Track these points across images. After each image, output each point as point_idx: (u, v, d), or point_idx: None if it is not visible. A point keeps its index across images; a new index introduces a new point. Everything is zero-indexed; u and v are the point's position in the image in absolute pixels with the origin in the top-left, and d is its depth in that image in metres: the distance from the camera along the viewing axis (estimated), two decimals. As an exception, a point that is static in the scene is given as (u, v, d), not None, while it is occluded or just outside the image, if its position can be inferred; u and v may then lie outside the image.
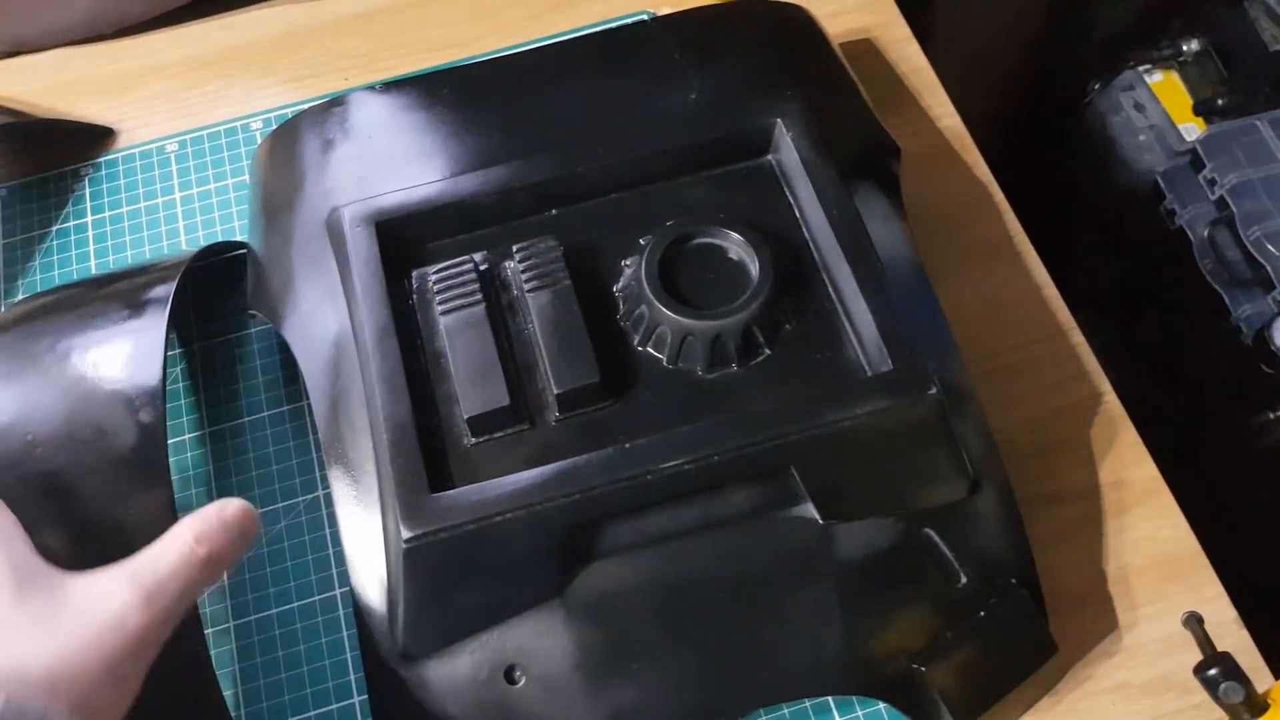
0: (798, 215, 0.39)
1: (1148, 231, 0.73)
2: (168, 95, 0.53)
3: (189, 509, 0.41)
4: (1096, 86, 0.77)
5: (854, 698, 0.39)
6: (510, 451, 0.35)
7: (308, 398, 0.40)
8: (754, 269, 0.36)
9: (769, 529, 0.35)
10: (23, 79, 0.54)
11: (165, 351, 0.39)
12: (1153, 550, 0.41)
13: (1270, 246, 0.64)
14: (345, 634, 0.41)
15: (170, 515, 0.36)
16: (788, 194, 0.39)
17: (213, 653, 0.40)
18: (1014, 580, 0.36)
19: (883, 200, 0.39)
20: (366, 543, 0.36)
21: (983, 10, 0.58)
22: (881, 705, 0.38)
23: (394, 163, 0.42)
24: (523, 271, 0.36)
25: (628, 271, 0.37)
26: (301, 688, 0.40)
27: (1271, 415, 0.62)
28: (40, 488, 0.37)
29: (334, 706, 0.39)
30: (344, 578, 0.42)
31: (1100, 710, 0.39)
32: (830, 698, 0.38)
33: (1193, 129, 0.72)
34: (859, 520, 0.35)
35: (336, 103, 0.45)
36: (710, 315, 0.35)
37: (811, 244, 0.38)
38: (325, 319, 0.39)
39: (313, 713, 0.40)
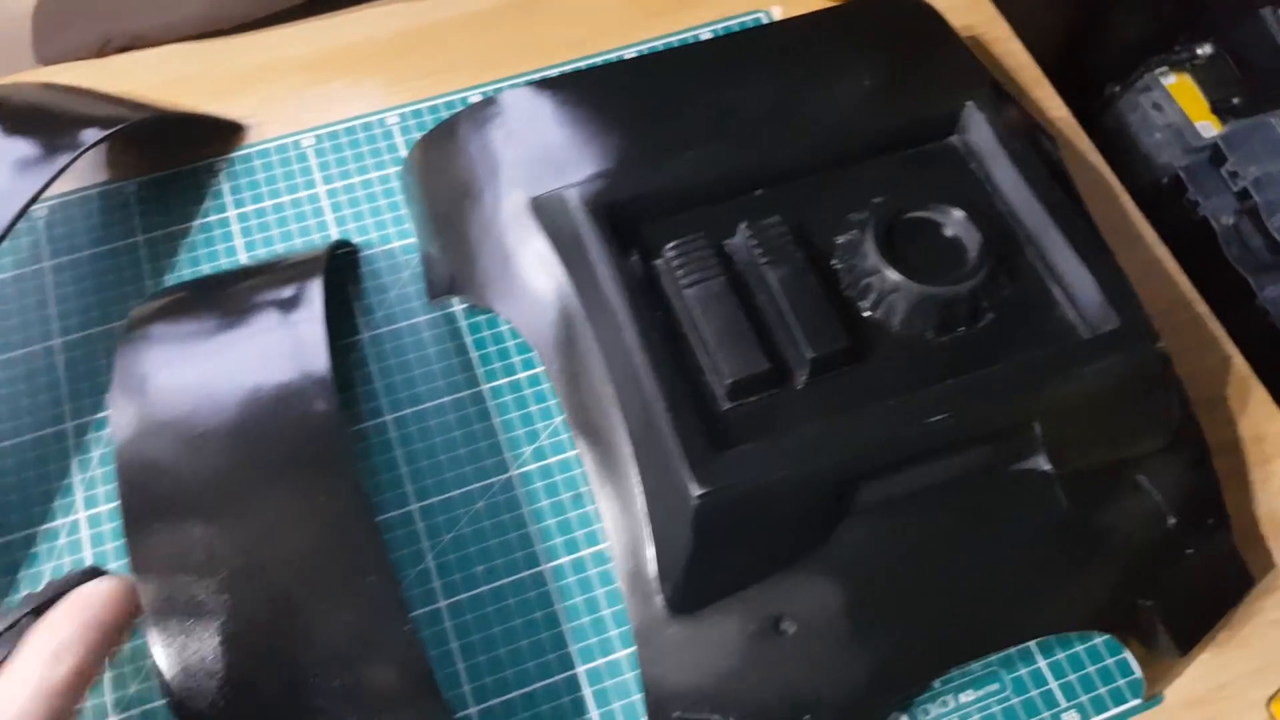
0: (990, 190, 0.41)
1: (1171, 223, 0.78)
2: (291, 92, 0.53)
3: (379, 499, 0.43)
4: (1116, 89, 0.82)
5: (1054, 640, 0.42)
6: (765, 414, 0.36)
7: (544, 377, 0.40)
8: (970, 240, 0.39)
9: (1005, 481, 0.37)
10: (139, 74, 0.53)
11: (327, 340, 0.39)
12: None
13: (1294, 232, 0.70)
14: (559, 606, 0.42)
15: (360, 502, 0.36)
16: (977, 172, 0.42)
17: (424, 634, 0.41)
18: (1210, 520, 0.39)
19: (1061, 182, 0.42)
20: (624, 508, 0.37)
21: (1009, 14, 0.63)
22: (1080, 647, 0.41)
23: (580, 153, 0.43)
24: (755, 247, 0.38)
25: (846, 243, 0.39)
26: (521, 661, 0.41)
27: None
28: (213, 482, 0.37)
29: (558, 678, 0.40)
30: (550, 552, 0.43)
31: (1271, 640, 0.42)
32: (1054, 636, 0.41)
33: (1208, 127, 0.78)
34: (1085, 469, 0.38)
35: (494, 100, 0.46)
36: (941, 282, 0.37)
37: (1010, 217, 0.41)
38: (546, 299, 0.40)
39: (537, 685, 0.40)
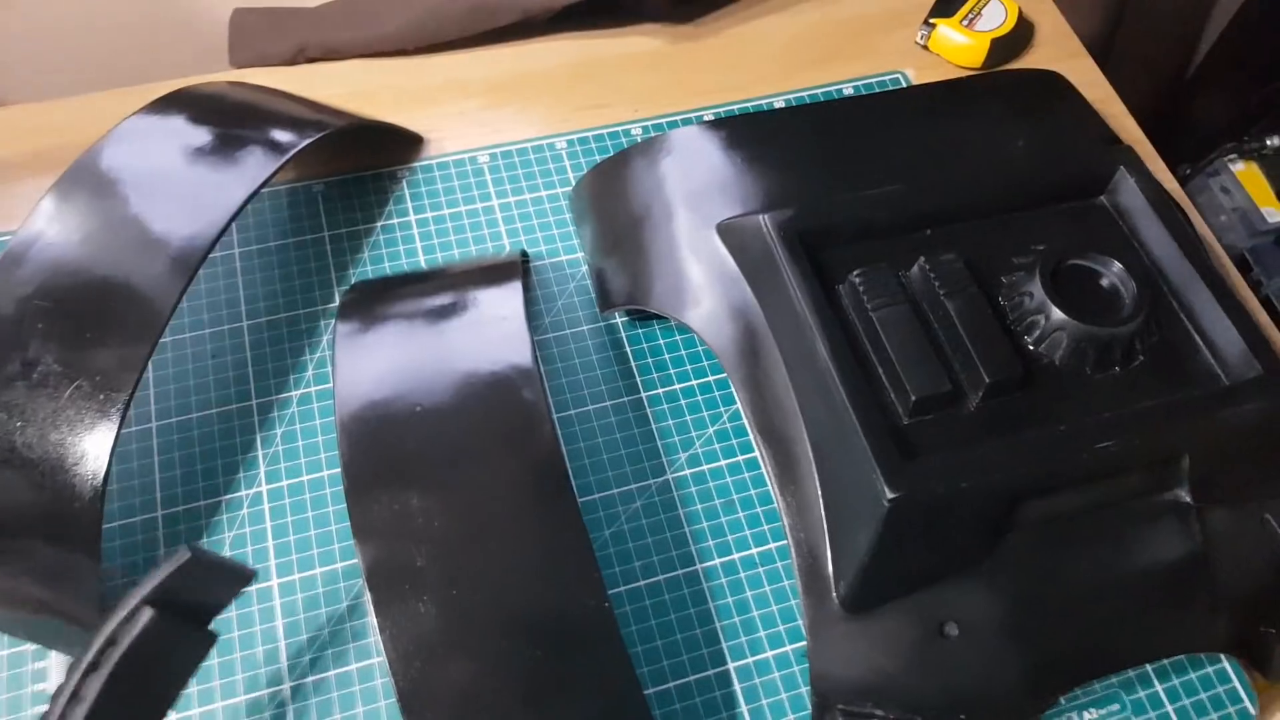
0: (1138, 246, 0.45)
1: (1236, 299, 0.83)
2: (469, 113, 0.57)
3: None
4: (1187, 170, 0.87)
5: (1169, 666, 0.45)
6: (942, 432, 0.40)
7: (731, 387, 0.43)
8: (1125, 289, 0.43)
9: (1148, 510, 0.41)
10: (327, 84, 0.57)
11: (531, 334, 0.43)
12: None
13: (1357, 315, 0.74)
14: (713, 605, 0.45)
15: (564, 483, 0.39)
16: (1124, 229, 0.46)
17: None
18: None
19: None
20: (802, 510, 0.40)
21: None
22: (1194, 674, 0.45)
23: (756, 185, 0.47)
24: (933, 279, 0.42)
25: (1013, 283, 0.43)
26: (676, 654, 0.44)
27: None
28: (431, 455, 0.40)
29: (710, 672, 0.43)
30: (703, 553, 0.46)
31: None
32: (1169, 662, 0.44)
33: (1274, 213, 0.83)
34: (1220, 503, 0.41)
35: (667, 136, 0.50)
36: (1101, 323, 0.41)
37: (1158, 272, 0.45)
38: (729, 313, 0.44)
39: (691, 677, 0.43)
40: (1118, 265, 0.43)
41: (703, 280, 0.45)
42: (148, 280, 0.41)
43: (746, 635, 0.44)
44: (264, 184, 0.45)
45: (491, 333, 0.43)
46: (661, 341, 0.51)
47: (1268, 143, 0.84)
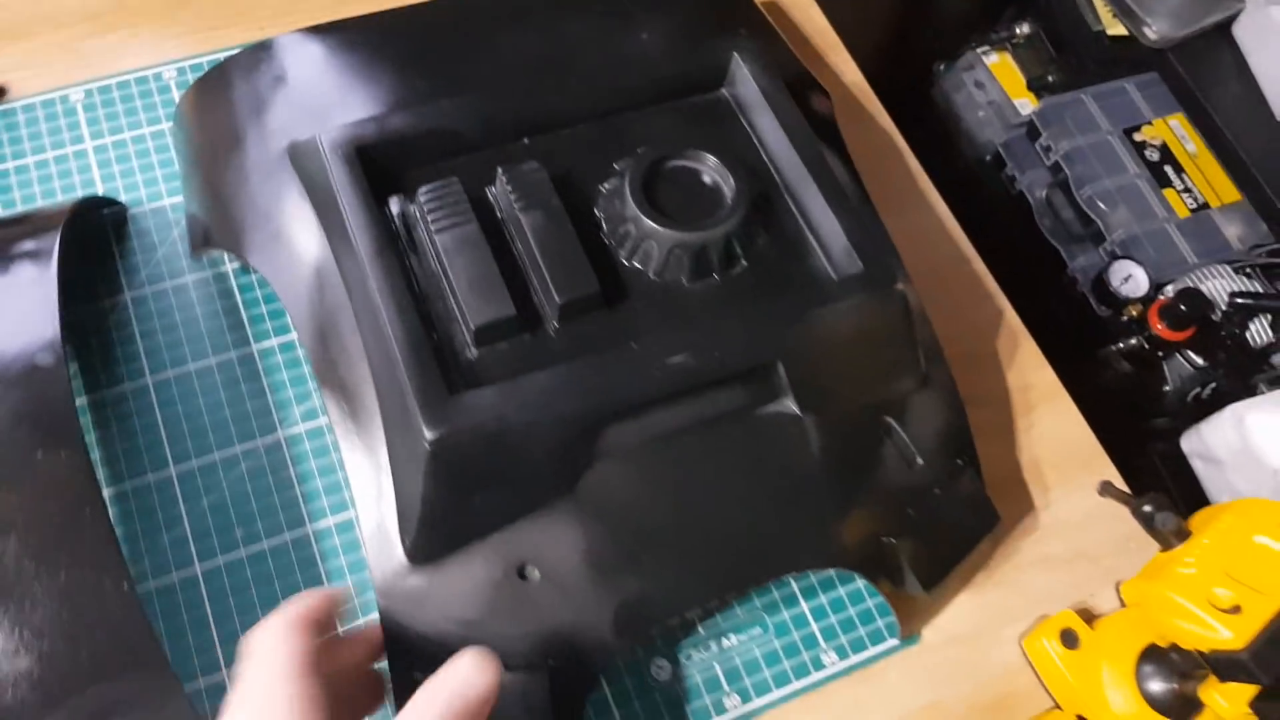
0: (756, 142, 0.42)
1: (992, 197, 0.81)
2: (64, 45, 0.50)
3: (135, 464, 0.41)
4: (941, 66, 0.85)
5: (816, 583, 0.42)
6: (513, 361, 0.36)
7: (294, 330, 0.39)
8: (727, 188, 0.39)
9: (754, 424, 0.38)
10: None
11: (60, 298, 0.37)
12: (1057, 443, 0.47)
13: (1101, 204, 0.73)
14: (323, 568, 0.41)
15: (83, 462, 0.34)
16: (744, 124, 0.42)
17: (178, 599, 0.39)
18: (960, 461, 0.40)
19: (826, 135, 0.43)
20: (369, 461, 0.36)
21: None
22: (843, 590, 0.42)
23: (348, 98, 0.42)
24: (511, 193, 0.38)
25: (609, 192, 0.39)
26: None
27: (1113, 348, 0.70)
28: None
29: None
30: (316, 514, 0.41)
31: (1026, 580, 0.44)
32: (816, 580, 0.41)
33: (1026, 104, 0.81)
34: (832, 411, 0.38)
35: (269, 45, 0.45)
36: (695, 228, 0.37)
37: (772, 168, 0.41)
38: (300, 249, 0.39)
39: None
40: (714, 161, 0.39)
41: (274, 212, 0.40)
42: None
43: (360, 597, 0.40)
44: None
45: (14, 300, 0.37)
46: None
47: (1018, 31, 0.81)
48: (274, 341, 0.45)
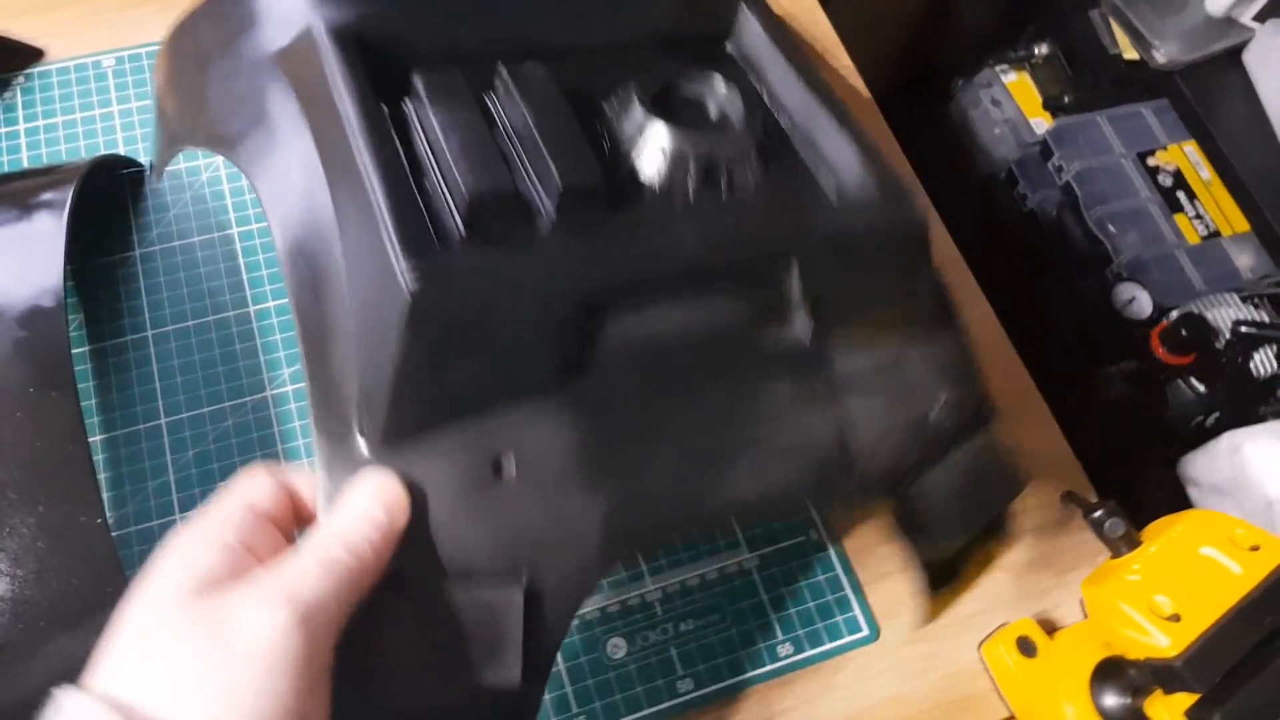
0: (760, 87, 0.42)
1: (1004, 214, 0.81)
2: (98, 15, 0.53)
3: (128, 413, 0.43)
4: (960, 83, 0.85)
5: (778, 574, 0.43)
6: (505, 244, 0.33)
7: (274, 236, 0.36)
8: (735, 112, 0.38)
9: (765, 341, 0.36)
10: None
11: (69, 247, 0.39)
12: (1032, 452, 0.47)
13: (1110, 226, 0.73)
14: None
15: (71, 401, 0.36)
16: (749, 75, 0.42)
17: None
18: (979, 412, 0.40)
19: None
20: (330, 334, 0.32)
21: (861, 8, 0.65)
22: (803, 582, 0.43)
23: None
24: (513, 85, 0.36)
25: (616, 104, 0.38)
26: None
27: (1114, 369, 0.71)
28: None
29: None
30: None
31: (993, 584, 0.44)
32: (779, 571, 0.42)
33: (1042, 123, 0.81)
34: (845, 336, 0.37)
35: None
36: (705, 134, 0.37)
37: (783, 115, 0.41)
38: (290, 159, 0.36)
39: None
40: (722, 83, 0.39)
41: (259, 104, 0.37)
42: None
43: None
44: None
45: (22, 249, 0.39)
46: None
47: (1036, 50, 0.82)
48: (270, 304, 0.46)
